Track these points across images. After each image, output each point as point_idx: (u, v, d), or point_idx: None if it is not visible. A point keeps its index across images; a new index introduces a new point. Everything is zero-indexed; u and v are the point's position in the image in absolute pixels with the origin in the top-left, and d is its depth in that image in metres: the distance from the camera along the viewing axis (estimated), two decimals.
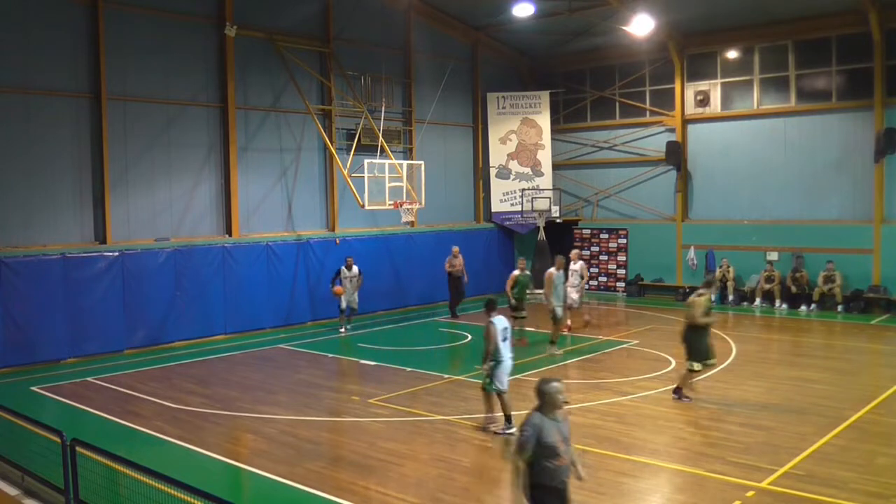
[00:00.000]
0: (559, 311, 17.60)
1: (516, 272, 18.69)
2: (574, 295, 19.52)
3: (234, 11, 20.44)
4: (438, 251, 25.30)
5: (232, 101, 20.60)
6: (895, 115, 22.15)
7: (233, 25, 20.21)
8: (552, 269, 17.89)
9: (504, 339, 11.71)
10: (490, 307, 11.95)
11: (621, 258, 27.69)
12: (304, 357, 17.75)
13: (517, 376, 15.17)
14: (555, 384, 6.65)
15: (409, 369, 15.92)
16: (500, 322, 11.73)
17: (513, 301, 18.58)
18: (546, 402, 6.65)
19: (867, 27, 21.99)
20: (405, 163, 22.17)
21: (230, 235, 20.68)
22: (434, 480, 9.75)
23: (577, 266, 20.15)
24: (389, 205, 20.78)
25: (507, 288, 18.64)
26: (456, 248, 23.19)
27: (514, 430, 11.20)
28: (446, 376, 15.19)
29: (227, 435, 11.92)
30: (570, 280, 19.62)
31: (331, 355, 17.79)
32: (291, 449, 11.03)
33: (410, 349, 18.39)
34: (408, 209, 21.47)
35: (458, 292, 23.08)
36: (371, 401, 13.47)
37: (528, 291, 18.81)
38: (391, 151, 22.75)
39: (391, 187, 20.87)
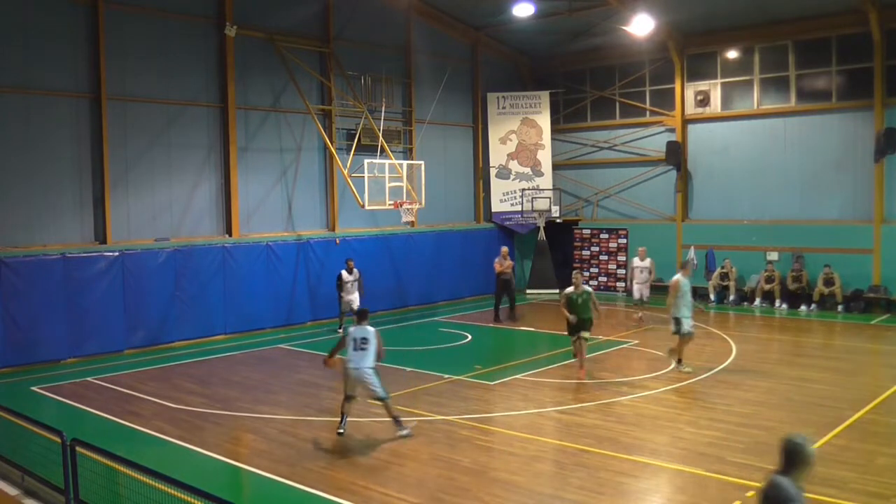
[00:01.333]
0: (687, 323, 15.11)
1: (570, 289, 15.08)
2: (645, 291, 21.27)
3: (234, 11, 20.44)
4: (438, 251, 25.39)
5: (232, 101, 20.61)
6: (895, 115, 22.15)
7: (233, 25, 20.22)
8: (679, 276, 15.31)
9: (357, 349, 11.66)
10: (360, 316, 12.17)
11: (621, 258, 27.68)
12: (304, 357, 17.75)
13: (517, 375, 15.21)
14: (812, 447, 5.41)
15: (408, 369, 15.91)
16: (358, 331, 11.76)
17: (571, 319, 14.99)
18: (801, 467, 5.37)
19: (867, 27, 21.98)
20: (405, 163, 22.17)
21: (230, 235, 20.69)
22: (434, 480, 9.75)
23: (646, 262, 21.26)
24: (389, 205, 20.77)
25: (563, 309, 15.15)
26: (505, 249, 22.59)
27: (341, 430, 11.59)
28: (446, 376, 15.18)
29: (228, 435, 11.91)
30: (639, 276, 21.42)
31: None
32: (291, 449, 11.03)
33: (410, 349, 18.36)
34: (408, 209, 21.46)
35: (510, 295, 22.19)
36: (371, 401, 13.44)
37: (596, 308, 15.08)
38: (391, 151, 22.75)
39: (391, 187, 20.86)
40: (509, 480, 9.68)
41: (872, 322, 20.93)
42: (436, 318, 22.72)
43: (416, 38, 25.41)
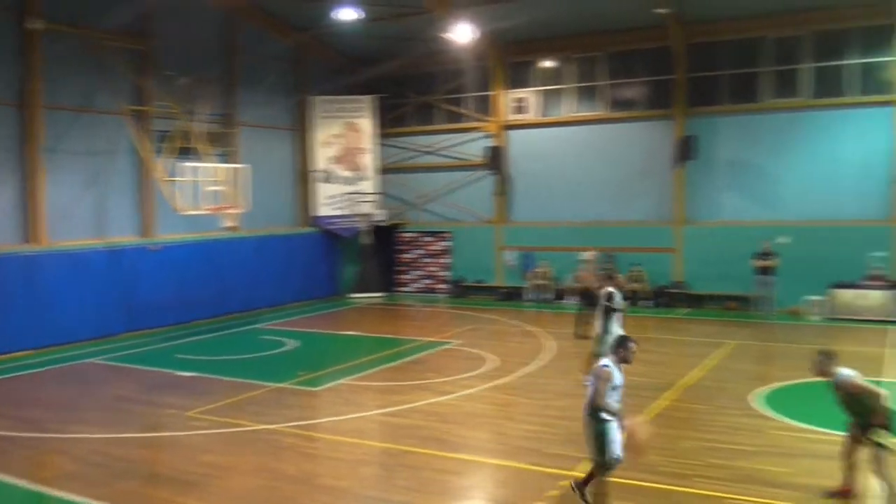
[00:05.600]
0: None
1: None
2: None
3: (41, 4, 19.06)
4: (261, 256, 24.90)
5: (37, 100, 19.25)
6: (694, 125, 23.91)
7: (38, 18, 18.88)
8: None
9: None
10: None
11: (445, 260, 28.25)
12: (118, 371, 16.86)
13: (341, 380, 15.16)
14: None
15: (229, 379, 15.49)
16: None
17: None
18: None
19: (670, 42, 23.64)
20: (226, 166, 21.56)
21: (34, 243, 19.33)
22: (258, 491, 9.55)
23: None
24: (210, 209, 20.16)
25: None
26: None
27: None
28: (269, 384, 14.90)
29: (34, 459, 11.12)
30: None
31: (146, 368, 16.99)
32: (104, 469, 10.45)
33: (231, 358, 17.89)
34: (229, 214, 20.91)
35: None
36: (190, 413, 13.01)
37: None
38: (212, 154, 22.04)
39: (212, 191, 20.26)
40: (335, 486, 9.65)
41: (676, 316, 22.48)
42: (258, 325, 22.25)
43: (239, 39, 24.75)
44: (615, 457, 8.24)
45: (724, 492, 9.00)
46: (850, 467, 8.70)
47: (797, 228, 22.40)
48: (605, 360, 8.60)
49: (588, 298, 17.99)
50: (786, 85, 23.11)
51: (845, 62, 22.30)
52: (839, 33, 22.31)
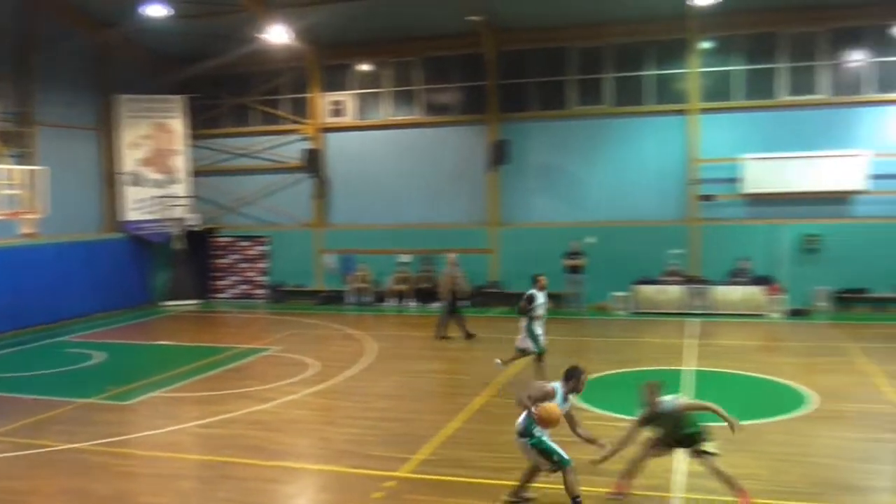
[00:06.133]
0: None
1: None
2: None
3: None
4: (64, 265, 23.37)
5: None
6: (506, 129, 24.77)
7: None
8: None
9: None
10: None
11: (263, 265, 27.71)
12: None
13: (155, 392, 14.52)
14: None
15: (30, 397, 14.43)
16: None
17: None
18: None
19: (483, 49, 24.35)
20: (22, 168, 20.06)
21: None
22: None
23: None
24: (3, 214, 18.70)
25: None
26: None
27: None
28: (75, 401, 14.01)
29: None
30: None
31: None
32: None
33: (32, 374, 16.68)
34: (26, 219, 19.49)
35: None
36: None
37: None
38: (5, 155, 20.51)
39: (6, 195, 18.81)
40: (153, 503, 9.22)
41: (491, 315, 23.15)
42: (62, 338, 20.86)
43: (37, 32, 22.99)
44: (564, 456, 8.40)
45: (543, 483, 9.34)
46: (635, 464, 9.00)
47: (603, 229, 23.75)
48: (556, 384, 8.68)
49: (454, 300, 19.76)
50: (591, 93, 24.48)
51: (644, 73, 23.93)
52: (638, 46, 23.93)
